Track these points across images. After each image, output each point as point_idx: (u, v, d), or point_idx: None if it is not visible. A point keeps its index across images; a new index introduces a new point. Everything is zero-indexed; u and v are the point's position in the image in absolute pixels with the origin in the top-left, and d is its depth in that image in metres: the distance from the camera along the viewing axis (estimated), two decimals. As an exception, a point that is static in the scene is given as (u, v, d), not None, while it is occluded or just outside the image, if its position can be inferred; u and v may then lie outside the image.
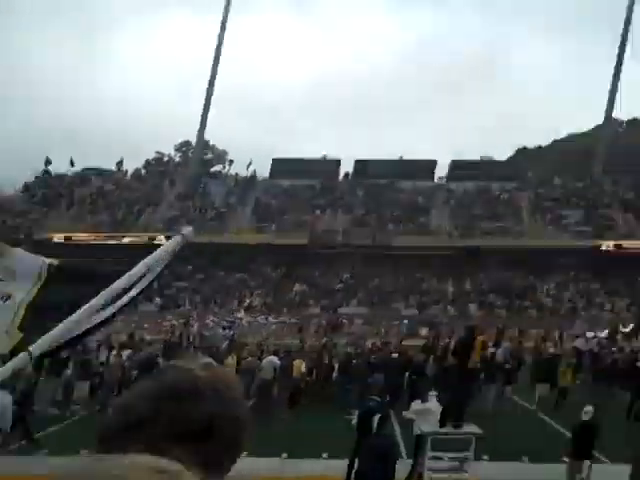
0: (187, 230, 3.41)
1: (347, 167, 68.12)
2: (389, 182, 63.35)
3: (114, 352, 23.46)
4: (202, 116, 70.79)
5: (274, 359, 21.68)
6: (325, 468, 14.44)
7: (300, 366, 22.02)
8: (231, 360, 22.30)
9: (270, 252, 57.05)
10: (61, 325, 2.94)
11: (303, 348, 26.52)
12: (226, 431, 1.09)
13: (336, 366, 22.96)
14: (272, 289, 55.00)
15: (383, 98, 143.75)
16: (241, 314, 51.14)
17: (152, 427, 1.02)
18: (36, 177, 66.16)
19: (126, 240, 58.64)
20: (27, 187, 64.89)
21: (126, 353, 23.26)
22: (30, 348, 2.84)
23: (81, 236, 59.38)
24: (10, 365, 2.79)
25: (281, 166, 67.17)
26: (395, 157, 67.24)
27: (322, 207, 62.06)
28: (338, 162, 68.31)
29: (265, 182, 66.87)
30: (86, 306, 3.02)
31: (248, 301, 53.36)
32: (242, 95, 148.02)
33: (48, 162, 66.73)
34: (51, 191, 63.77)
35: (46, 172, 66.24)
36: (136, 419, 1.04)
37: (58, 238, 59.17)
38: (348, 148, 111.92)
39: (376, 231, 57.53)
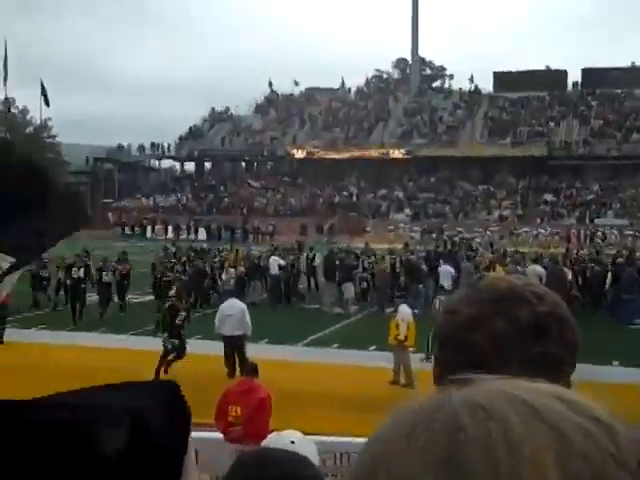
0: None
1: (574, 77, 72.67)
2: (626, 91, 67.48)
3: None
4: (413, 33, 77.15)
5: (537, 268, 22.49)
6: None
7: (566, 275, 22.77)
8: (498, 269, 22.70)
9: (509, 164, 62.89)
10: None
11: (567, 257, 26.76)
12: (558, 330, 1.20)
13: (609, 275, 23.43)
14: (520, 200, 60.90)
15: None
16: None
17: (486, 325, 1.18)
18: (265, 98, 74.74)
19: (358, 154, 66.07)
20: (259, 107, 73.64)
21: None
22: None
23: (320, 152, 67.16)
24: None
25: (504, 79, 72.46)
26: (626, 64, 71.19)
27: (556, 119, 67.22)
28: (564, 72, 72.69)
29: (491, 96, 72.54)
30: None
31: (497, 212, 59.54)
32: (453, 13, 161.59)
33: (270, 84, 75.37)
34: (282, 110, 72.39)
35: (273, 92, 74.80)
36: (464, 320, 1.22)
37: (299, 154, 67.42)
38: (571, 58, 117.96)
39: (621, 141, 62.18)
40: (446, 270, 22.50)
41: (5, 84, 70.39)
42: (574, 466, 0.50)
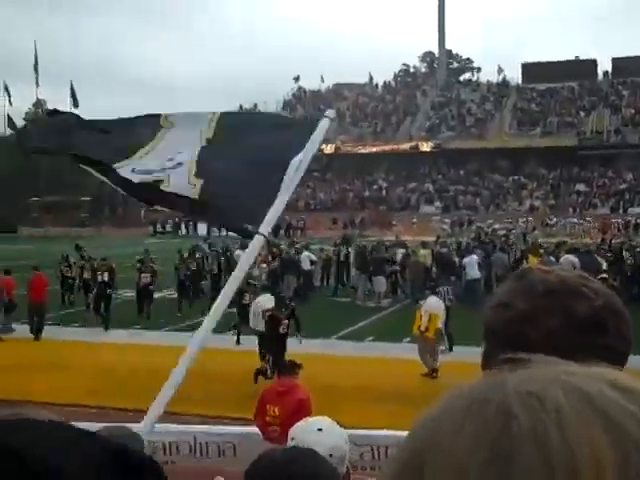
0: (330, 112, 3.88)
1: (604, 67, 71.74)
2: (658, 79, 66.34)
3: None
4: (439, 26, 76.61)
5: (570, 257, 21.17)
6: None
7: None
8: (532, 259, 22.37)
9: (539, 155, 62.20)
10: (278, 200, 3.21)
11: (600, 247, 26.46)
12: (615, 324, 1.14)
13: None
14: (551, 191, 60.24)
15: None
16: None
17: (541, 320, 1.13)
18: (293, 95, 74.77)
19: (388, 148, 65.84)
20: (286, 103, 73.62)
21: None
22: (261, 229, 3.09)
23: (349, 147, 66.91)
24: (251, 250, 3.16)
25: (533, 70, 71.73)
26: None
27: (586, 108, 66.37)
28: (594, 62, 71.87)
29: (519, 87, 71.87)
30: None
31: (529, 203, 58.87)
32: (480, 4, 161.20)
33: (297, 79, 75.44)
34: (309, 106, 72.26)
35: (300, 88, 74.78)
36: (517, 314, 1.16)
37: (328, 149, 67.18)
38: (601, 48, 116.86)
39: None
40: (472, 260, 22.34)
41: (38, 85, 71.27)
42: (630, 457, 0.48)
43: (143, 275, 20.08)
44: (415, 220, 53.90)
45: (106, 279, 18.92)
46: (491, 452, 0.49)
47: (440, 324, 13.77)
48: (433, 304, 13.94)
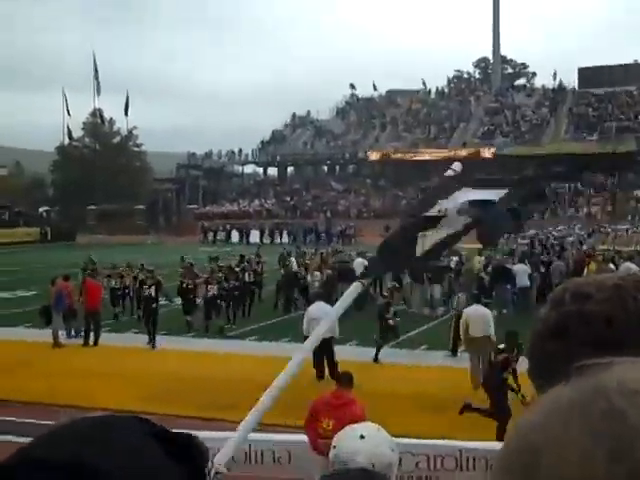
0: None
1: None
2: None
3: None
4: (494, 31, 75.91)
5: (629, 264, 21.61)
6: None
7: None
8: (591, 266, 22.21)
9: (596, 161, 61.05)
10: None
11: None
12: None
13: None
14: (609, 197, 59.09)
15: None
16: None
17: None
18: (346, 102, 75.05)
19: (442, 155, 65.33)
20: (339, 111, 73.92)
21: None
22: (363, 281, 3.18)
23: (402, 154, 66.70)
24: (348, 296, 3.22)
25: (590, 75, 70.56)
26: None
27: (646, 113, 64.96)
28: (654, 65, 70.41)
29: (576, 92, 70.78)
30: None
31: (586, 210, 57.83)
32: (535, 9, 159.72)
33: (352, 86, 75.66)
34: (362, 113, 72.52)
35: (353, 95, 75.03)
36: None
37: (381, 157, 67.14)
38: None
39: None
40: (522, 269, 22.11)
41: (99, 95, 72.82)
42: None
43: (210, 287, 19.31)
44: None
45: (153, 294, 18.10)
46: (607, 451, 0.50)
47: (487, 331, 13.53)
48: (471, 313, 13.78)
